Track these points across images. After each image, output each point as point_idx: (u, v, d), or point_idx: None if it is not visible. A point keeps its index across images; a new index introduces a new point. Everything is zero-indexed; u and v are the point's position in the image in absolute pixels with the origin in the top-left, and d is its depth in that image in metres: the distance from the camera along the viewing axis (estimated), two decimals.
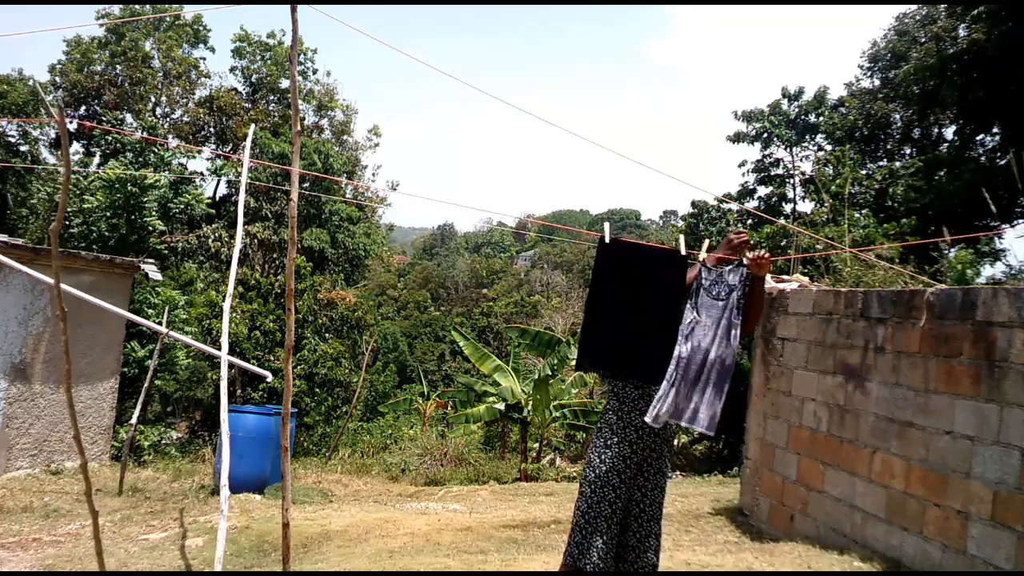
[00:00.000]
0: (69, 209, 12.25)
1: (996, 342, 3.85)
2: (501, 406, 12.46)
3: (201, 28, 24.29)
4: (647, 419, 6.08)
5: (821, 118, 16.70)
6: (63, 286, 6.90)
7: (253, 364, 10.72)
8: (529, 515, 6.82)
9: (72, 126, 22.95)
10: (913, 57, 15.54)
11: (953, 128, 15.99)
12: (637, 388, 3.43)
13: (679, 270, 5.89)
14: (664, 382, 5.96)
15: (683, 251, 5.95)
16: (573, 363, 14.01)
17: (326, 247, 22.01)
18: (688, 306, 5.99)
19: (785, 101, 17.12)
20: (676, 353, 5.87)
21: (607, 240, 6.00)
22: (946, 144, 16.28)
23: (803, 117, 16.97)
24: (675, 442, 12.61)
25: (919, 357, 4.39)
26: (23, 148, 21.32)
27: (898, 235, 10.45)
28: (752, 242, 4.42)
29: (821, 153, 16.34)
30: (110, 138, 17.28)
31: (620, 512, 3.34)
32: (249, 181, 9.68)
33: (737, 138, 16.89)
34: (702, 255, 6.13)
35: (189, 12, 22.80)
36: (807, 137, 17.11)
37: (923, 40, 15.91)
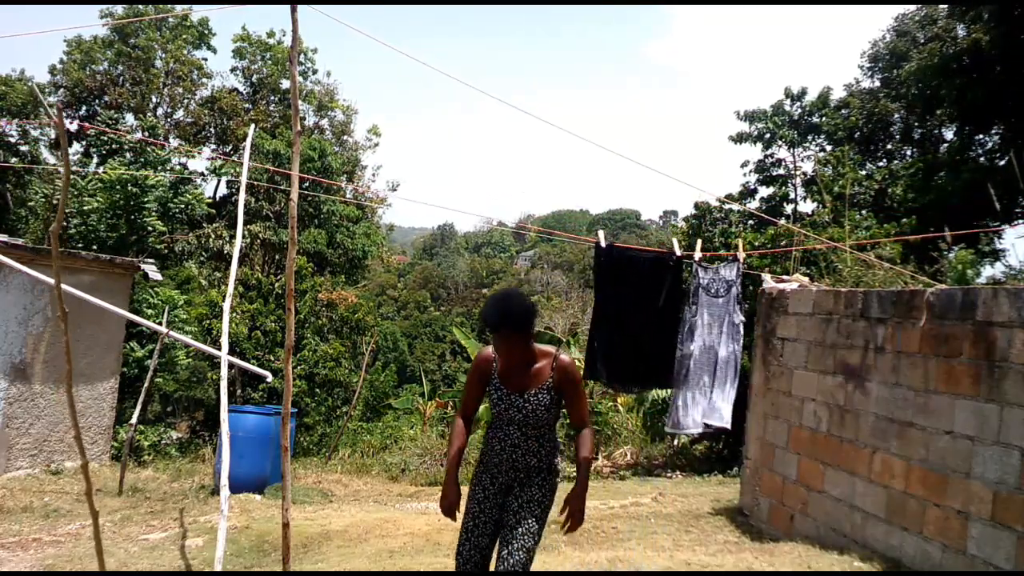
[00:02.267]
0: (68, 209, 12.25)
1: (996, 342, 3.85)
2: None
3: (206, 31, 24.30)
4: (669, 429, 6.10)
5: (824, 119, 16.68)
6: (63, 286, 6.91)
7: (253, 364, 10.71)
8: None
9: (72, 126, 22.96)
10: (913, 57, 15.54)
11: (953, 128, 15.99)
12: (502, 431, 3.30)
13: (675, 272, 5.89)
14: (680, 390, 5.98)
15: (678, 252, 5.96)
16: (577, 366, 14.02)
17: (325, 247, 22.01)
18: (687, 307, 6.02)
19: (788, 101, 17.10)
20: (681, 355, 5.89)
21: (603, 245, 6.00)
22: (946, 144, 16.29)
23: (807, 118, 16.95)
24: (676, 442, 12.59)
25: (919, 357, 4.39)
26: (23, 148, 21.32)
27: (898, 235, 10.45)
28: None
29: (822, 154, 16.33)
30: (106, 138, 17.29)
31: (484, 525, 3.32)
32: (249, 181, 9.68)
33: (739, 138, 16.85)
34: (696, 255, 6.16)
35: (187, 11, 22.77)
36: (809, 137, 17.09)
37: (923, 40, 15.92)
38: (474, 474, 3.45)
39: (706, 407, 5.93)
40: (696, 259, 6.13)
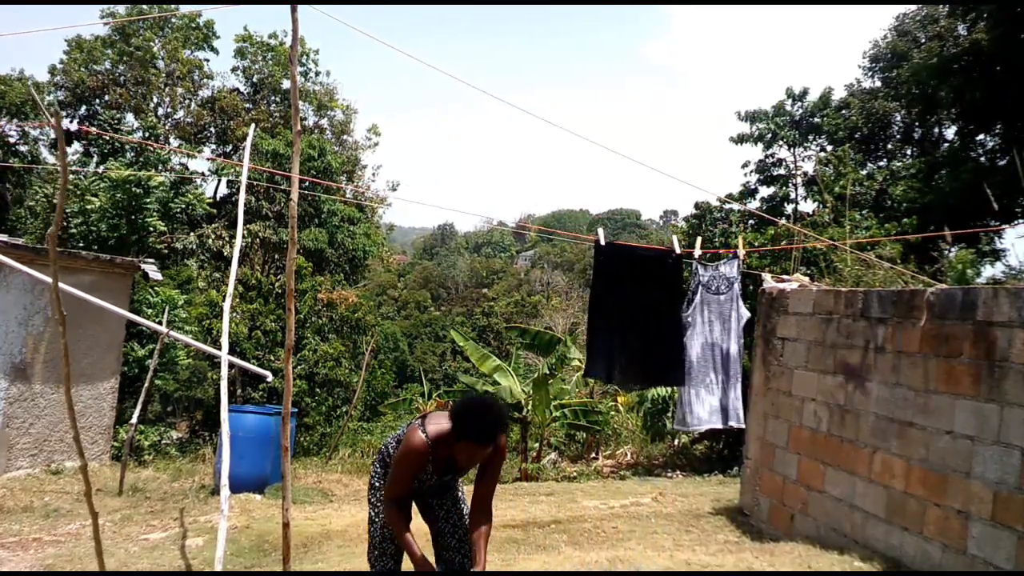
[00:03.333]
0: (69, 209, 12.25)
1: (996, 342, 3.84)
2: None
3: (211, 33, 24.32)
4: (676, 426, 6.13)
5: (825, 119, 16.68)
6: (63, 286, 6.91)
7: (253, 364, 10.71)
8: (529, 515, 6.82)
9: (73, 126, 22.95)
10: (914, 58, 15.55)
11: (953, 128, 16.00)
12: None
13: (674, 270, 5.91)
14: (687, 387, 6.02)
15: (677, 250, 5.99)
16: (577, 365, 14.01)
17: (325, 247, 22.00)
18: (688, 305, 6.05)
19: (789, 101, 17.10)
20: (689, 356, 5.93)
21: (602, 243, 6.02)
22: (946, 144, 16.29)
23: (808, 118, 16.95)
24: (676, 442, 12.59)
25: (919, 357, 4.39)
26: (23, 148, 21.32)
27: (899, 235, 10.45)
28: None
29: (823, 154, 16.33)
30: (108, 137, 17.30)
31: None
32: (249, 181, 9.68)
33: (740, 139, 16.84)
34: (696, 252, 6.18)
35: (195, 13, 22.80)
36: (810, 137, 17.08)
37: (924, 40, 15.92)
38: (378, 495, 3.40)
39: (716, 406, 5.95)
40: (696, 256, 6.15)
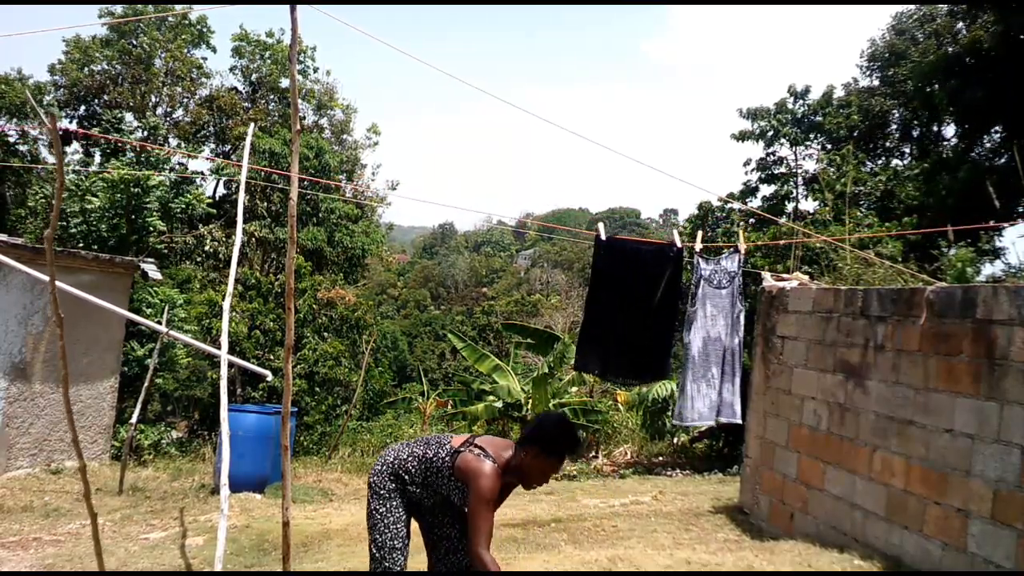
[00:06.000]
0: (69, 209, 12.25)
1: (996, 340, 3.84)
2: (500, 404, 12.45)
3: (205, 29, 24.28)
4: (675, 421, 6.12)
5: (827, 117, 16.66)
6: (63, 285, 6.91)
7: (253, 363, 10.70)
8: (529, 514, 6.82)
9: (72, 126, 22.92)
10: (912, 56, 15.55)
11: (953, 127, 16.00)
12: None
13: (675, 264, 5.91)
14: (688, 382, 6.02)
15: (678, 244, 5.99)
16: (572, 362, 14.02)
17: (323, 246, 21.98)
18: (691, 299, 6.05)
19: (791, 99, 17.07)
20: (691, 350, 5.92)
21: (603, 238, 6.01)
22: (947, 143, 16.29)
23: (809, 116, 16.92)
24: (676, 441, 12.59)
25: (919, 355, 4.39)
26: (23, 148, 21.30)
27: (900, 235, 10.45)
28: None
29: (823, 152, 16.31)
30: (106, 138, 17.28)
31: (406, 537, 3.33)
32: (248, 180, 9.68)
33: (741, 136, 16.81)
34: (697, 245, 6.17)
35: (186, 10, 22.74)
36: (812, 136, 17.06)
37: (921, 39, 15.93)
38: (387, 505, 3.27)
39: (715, 401, 5.93)
40: (697, 250, 6.14)
